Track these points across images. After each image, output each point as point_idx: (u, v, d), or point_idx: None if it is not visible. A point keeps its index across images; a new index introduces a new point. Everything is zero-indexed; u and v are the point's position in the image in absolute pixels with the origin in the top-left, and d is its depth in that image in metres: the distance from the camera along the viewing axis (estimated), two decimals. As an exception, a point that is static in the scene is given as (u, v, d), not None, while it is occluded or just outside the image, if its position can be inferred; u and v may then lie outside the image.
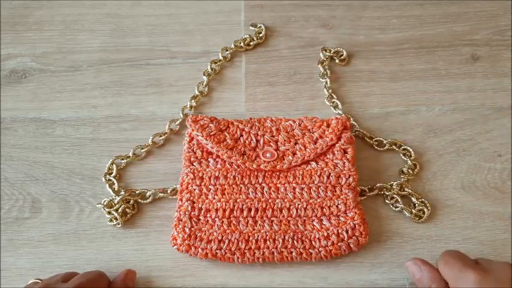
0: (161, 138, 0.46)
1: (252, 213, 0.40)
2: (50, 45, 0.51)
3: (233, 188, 0.41)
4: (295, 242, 0.40)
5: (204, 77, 0.49)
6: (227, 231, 0.40)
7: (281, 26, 0.52)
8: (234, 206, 0.40)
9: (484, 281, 0.32)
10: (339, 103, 0.47)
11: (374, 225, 0.42)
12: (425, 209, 0.42)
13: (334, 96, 0.48)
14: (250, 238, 0.40)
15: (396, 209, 0.43)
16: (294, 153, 0.42)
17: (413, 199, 0.43)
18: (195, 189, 0.41)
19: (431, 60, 0.50)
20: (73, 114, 0.47)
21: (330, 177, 0.41)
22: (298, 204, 0.40)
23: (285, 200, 0.41)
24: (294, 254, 0.40)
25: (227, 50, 0.50)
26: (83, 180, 0.44)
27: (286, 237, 0.40)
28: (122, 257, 0.41)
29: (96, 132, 0.46)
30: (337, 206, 0.40)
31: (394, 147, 0.45)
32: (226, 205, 0.40)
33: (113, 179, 0.44)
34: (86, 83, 0.49)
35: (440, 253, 0.37)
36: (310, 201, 0.40)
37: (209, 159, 0.42)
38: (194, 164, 0.42)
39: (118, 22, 0.52)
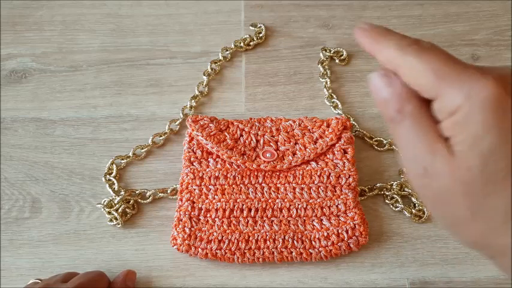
0: (161, 138, 0.46)
1: (252, 213, 0.40)
2: (50, 45, 0.51)
3: (233, 188, 0.41)
4: (295, 242, 0.40)
5: (204, 77, 0.49)
6: (227, 231, 0.40)
7: (281, 26, 0.52)
8: (234, 206, 0.40)
9: (505, 98, 0.19)
10: (339, 103, 0.47)
11: (374, 225, 0.42)
12: (425, 209, 0.42)
13: (334, 96, 0.48)
14: (250, 238, 0.40)
15: (396, 209, 0.43)
16: (294, 153, 0.42)
17: (413, 199, 0.43)
18: (195, 189, 0.41)
19: (431, 60, 0.50)
20: (73, 114, 0.47)
21: (330, 177, 0.41)
22: (298, 204, 0.40)
23: (285, 200, 0.41)
24: (294, 254, 0.40)
25: (227, 50, 0.50)
26: (83, 180, 0.44)
27: (286, 237, 0.40)
28: (122, 257, 0.41)
29: (96, 132, 0.46)
30: (337, 206, 0.40)
31: (394, 147, 0.45)
32: (226, 205, 0.40)
33: (113, 179, 0.44)
34: (86, 83, 0.49)
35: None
36: (310, 201, 0.40)
37: (209, 159, 0.42)
38: (194, 164, 0.42)
39: (118, 22, 0.52)
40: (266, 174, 0.41)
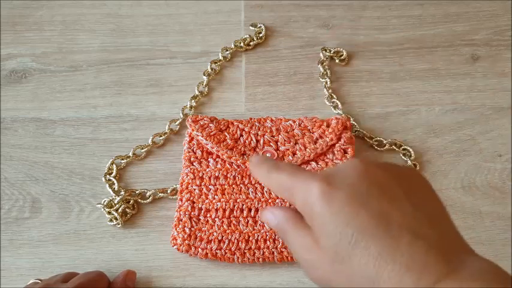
0: (161, 138, 0.46)
1: (252, 213, 0.40)
2: (50, 45, 0.51)
3: (233, 188, 0.41)
4: (295, 242, 0.40)
5: (204, 77, 0.49)
6: (227, 231, 0.40)
7: (281, 26, 0.52)
8: (234, 206, 0.40)
9: (328, 188, 0.25)
10: (339, 103, 0.47)
11: (374, 225, 0.42)
12: (425, 209, 0.42)
13: (334, 96, 0.48)
14: (250, 238, 0.40)
15: (396, 209, 0.43)
16: (294, 153, 0.42)
17: (413, 199, 0.43)
18: (195, 189, 0.41)
19: (431, 60, 0.50)
20: (73, 114, 0.47)
21: (330, 177, 0.41)
22: (298, 204, 0.40)
23: (285, 200, 0.41)
24: (294, 254, 0.40)
25: (227, 50, 0.50)
26: (83, 180, 0.44)
27: (286, 237, 0.40)
28: (122, 257, 0.41)
29: (96, 132, 0.46)
30: (337, 206, 0.40)
31: (394, 147, 0.45)
32: (226, 205, 0.40)
33: (113, 179, 0.44)
34: (86, 83, 0.49)
35: None
36: (310, 201, 0.40)
37: (209, 159, 0.42)
38: (194, 164, 0.42)
39: (118, 22, 0.52)
40: (266, 174, 0.41)
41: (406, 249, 0.23)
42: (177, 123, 0.46)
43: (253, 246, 0.40)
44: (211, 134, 0.42)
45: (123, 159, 0.45)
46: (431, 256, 0.22)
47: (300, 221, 0.27)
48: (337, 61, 0.50)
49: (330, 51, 0.50)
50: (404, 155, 0.45)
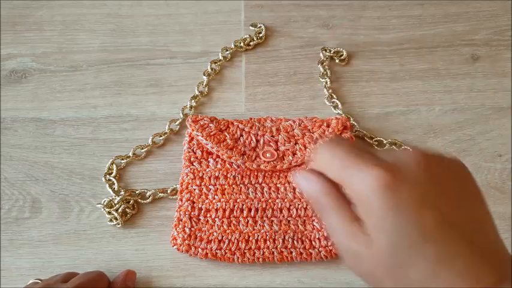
0: (161, 138, 0.46)
1: (252, 213, 0.40)
2: (50, 45, 0.51)
3: (233, 188, 0.41)
4: (295, 242, 0.40)
5: (204, 77, 0.49)
6: (227, 231, 0.40)
7: (281, 26, 0.52)
8: (234, 206, 0.40)
9: (393, 181, 0.23)
10: (339, 103, 0.47)
11: (374, 225, 0.42)
12: (425, 209, 0.42)
13: (334, 96, 0.48)
14: (250, 238, 0.40)
15: (396, 209, 0.43)
16: (294, 153, 0.42)
17: (413, 199, 0.43)
18: (195, 189, 0.41)
19: (431, 60, 0.50)
20: (73, 114, 0.47)
21: (330, 177, 0.41)
22: (298, 204, 0.40)
23: (285, 200, 0.41)
24: (294, 254, 0.40)
25: (227, 50, 0.50)
26: (83, 180, 0.44)
27: (286, 237, 0.40)
28: (122, 257, 0.41)
29: (96, 132, 0.46)
30: (337, 206, 0.40)
31: (394, 147, 0.45)
32: (226, 205, 0.40)
33: (113, 179, 0.44)
34: (86, 83, 0.49)
35: None
36: (310, 201, 0.40)
37: (209, 159, 0.42)
38: (194, 164, 0.42)
39: (118, 22, 0.52)
40: (266, 174, 0.41)
41: (463, 257, 0.22)
42: (177, 123, 0.46)
43: (253, 246, 0.40)
44: (211, 134, 0.42)
45: (123, 159, 0.45)
46: (485, 264, 0.22)
47: (343, 200, 0.25)
48: (337, 61, 0.50)
49: (330, 51, 0.50)
50: (404, 155, 0.45)
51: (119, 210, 0.42)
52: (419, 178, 0.23)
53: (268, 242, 0.40)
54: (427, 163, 0.24)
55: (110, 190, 0.43)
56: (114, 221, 0.42)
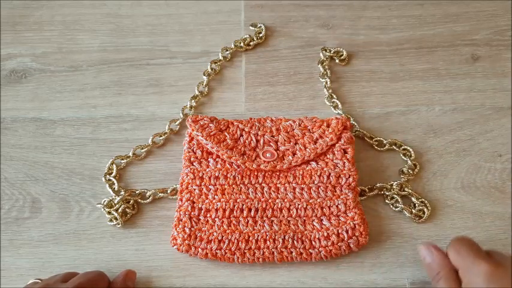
0: (161, 138, 0.46)
1: (252, 213, 0.40)
2: (50, 45, 0.51)
3: (233, 188, 0.41)
4: (295, 242, 0.40)
5: (204, 77, 0.49)
6: (227, 231, 0.40)
7: (281, 26, 0.52)
8: (234, 206, 0.40)
9: (496, 273, 0.32)
10: (339, 103, 0.47)
11: (374, 225, 0.42)
12: (425, 209, 0.42)
13: (334, 96, 0.48)
14: (250, 238, 0.40)
15: (396, 209, 0.43)
16: (294, 153, 0.42)
17: (413, 199, 0.43)
18: (195, 189, 0.41)
19: (431, 60, 0.50)
20: (73, 114, 0.47)
21: (330, 177, 0.41)
22: (298, 204, 0.40)
23: (285, 200, 0.41)
24: (294, 254, 0.40)
25: (227, 50, 0.50)
26: (83, 180, 0.44)
27: (286, 237, 0.40)
28: (122, 257, 0.41)
29: (96, 132, 0.46)
30: (337, 206, 0.40)
31: (394, 147, 0.45)
32: (226, 205, 0.40)
33: (113, 179, 0.44)
34: (86, 83, 0.49)
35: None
36: (310, 201, 0.40)
37: (209, 159, 0.42)
38: (194, 164, 0.42)
39: (118, 22, 0.52)
40: (266, 174, 0.41)
41: None
42: (177, 123, 0.47)
43: (253, 246, 0.40)
44: (211, 134, 0.42)
45: (123, 159, 0.45)
46: None
47: (455, 274, 0.34)
48: (337, 61, 0.50)
49: (330, 51, 0.50)
50: (404, 155, 0.45)
51: (119, 210, 0.42)
52: None
53: (268, 242, 0.40)
54: None
55: (110, 190, 0.43)
56: (114, 221, 0.42)
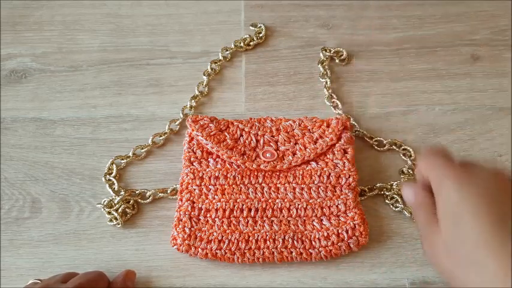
0: (161, 138, 0.46)
1: (252, 213, 0.40)
2: (50, 45, 0.51)
3: (233, 188, 0.41)
4: (295, 242, 0.40)
5: (204, 77, 0.49)
6: (227, 231, 0.40)
7: (281, 26, 0.52)
8: (234, 206, 0.40)
9: (463, 186, 0.29)
10: (339, 103, 0.47)
11: (374, 225, 0.42)
12: (425, 209, 0.42)
13: (334, 96, 0.48)
14: (250, 238, 0.40)
15: (396, 209, 0.43)
16: (294, 153, 0.42)
17: (414, 199, 0.43)
18: (195, 189, 0.41)
19: (431, 60, 0.50)
20: (73, 114, 0.47)
21: (330, 177, 0.41)
22: (298, 204, 0.40)
23: (285, 200, 0.41)
24: (294, 254, 0.40)
25: (227, 50, 0.50)
26: (83, 180, 0.44)
27: (286, 237, 0.40)
28: (122, 257, 0.41)
29: (96, 132, 0.46)
30: (337, 206, 0.40)
31: (394, 147, 0.45)
32: (226, 205, 0.40)
33: (113, 179, 0.44)
34: (86, 83, 0.49)
35: None
36: (310, 201, 0.40)
37: (209, 159, 0.42)
38: (194, 164, 0.42)
39: (118, 22, 0.52)
40: (266, 174, 0.41)
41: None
42: (177, 123, 0.46)
43: (253, 246, 0.40)
44: (211, 134, 0.42)
45: (123, 159, 0.45)
46: None
47: (430, 205, 0.31)
48: (337, 61, 0.50)
49: (330, 51, 0.50)
50: (404, 155, 0.45)
51: (119, 210, 0.42)
52: (489, 184, 0.29)
53: (268, 242, 0.40)
54: (497, 176, 0.30)
55: (110, 190, 0.43)
56: (114, 221, 0.42)
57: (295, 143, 0.42)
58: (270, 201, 0.41)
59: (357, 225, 0.40)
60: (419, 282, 0.40)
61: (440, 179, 0.30)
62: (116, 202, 0.42)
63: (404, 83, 0.49)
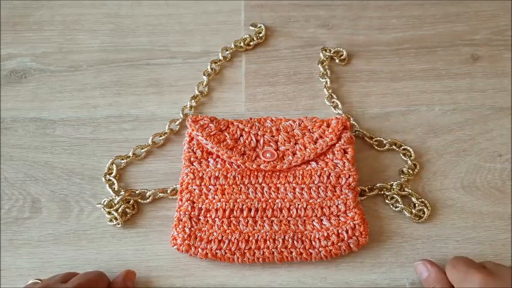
0: (161, 138, 0.46)
1: (252, 213, 0.40)
2: (50, 45, 0.51)
3: (233, 188, 0.41)
4: (295, 242, 0.40)
5: (204, 77, 0.49)
6: (227, 231, 0.40)
7: (281, 26, 0.52)
8: (234, 206, 0.40)
9: (488, 282, 0.34)
10: (339, 103, 0.47)
11: (374, 225, 0.42)
12: (425, 209, 0.42)
13: (334, 96, 0.48)
14: (250, 238, 0.40)
15: (396, 209, 0.43)
16: (294, 153, 0.42)
17: (413, 199, 0.43)
18: (195, 189, 0.41)
19: (431, 60, 0.50)
20: (73, 114, 0.47)
21: (330, 177, 0.41)
22: (298, 204, 0.40)
23: (285, 200, 0.41)
24: (294, 254, 0.40)
25: (227, 50, 0.50)
26: (83, 180, 0.44)
27: (286, 237, 0.40)
28: (122, 257, 0.41)
29: (96, 132, 0.46)
30: (337, 206, 0.40)
31: (394, 147, 0.45)
32: (226, 205, 0.40)
33: (113, 179, 0.44)
34: (86, 83, 0.49)
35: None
36: (310, 201, 0.40)
37: (209, 159, 0.42)
38: (194, 164, 0.42)
39: (118, 22, 0.52)
40: (266, 174, 0.41)
41: None
42: (177, 123, 0.47)
43: (253, 246, 0.40)
44: (211, 134, 0.42)
45: (123, 159, 0.45)
46: None
47: (447, 285, 0.36)
48: (337, 61, 0.50)
49: (330, 51, 0.50)
50: (404, 155, 0.45)
51: (119, 210, 0.42)
52: (508, 284, 0.34)
53: (268, 242, 0.40)
54: None
55: (110, 190, 0.43)
56: (114, 221, 0.42)
57: (295, 143, 0.42)
58: (270, 201, 0.41)
59: (356, 225, 0.40)
60: (420, 282, 0.40)
61: (464, 278, 0.35)
62: (116, 202, 0.42)
63: (404, 83, 0.49)
